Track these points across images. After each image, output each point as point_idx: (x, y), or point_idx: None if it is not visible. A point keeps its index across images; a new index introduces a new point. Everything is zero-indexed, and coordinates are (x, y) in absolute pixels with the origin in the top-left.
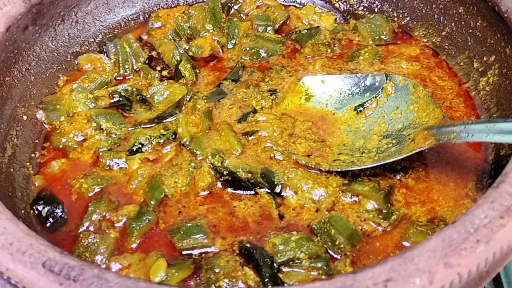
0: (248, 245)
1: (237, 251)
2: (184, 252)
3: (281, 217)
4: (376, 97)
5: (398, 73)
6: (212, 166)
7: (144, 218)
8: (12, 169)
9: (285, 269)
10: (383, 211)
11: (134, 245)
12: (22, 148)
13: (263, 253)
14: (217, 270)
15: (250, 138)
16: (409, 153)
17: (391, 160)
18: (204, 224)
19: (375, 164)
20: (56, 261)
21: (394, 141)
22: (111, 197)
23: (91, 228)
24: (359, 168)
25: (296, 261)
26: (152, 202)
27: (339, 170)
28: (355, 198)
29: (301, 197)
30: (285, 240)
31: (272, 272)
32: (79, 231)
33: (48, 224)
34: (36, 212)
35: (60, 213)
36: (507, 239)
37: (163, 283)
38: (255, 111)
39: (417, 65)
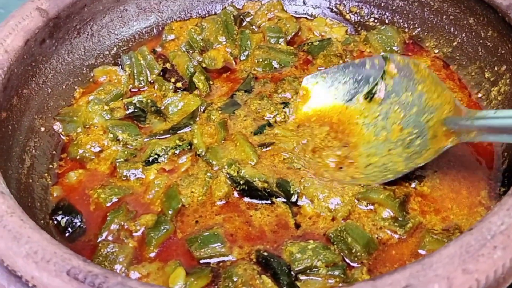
0: (265, 253)
1: (254, 260)
2: (202, 261)
3: (298, 226)
4: (382, 78)
5: None
6: (228, 176)
7: (162, 227)
8: (31, 180)
9: (302, 277)
10: (399, 219)
11: (152, 254)
12: (40, 159)
13: (280, 262)
14: (235, 279)
15: (265, 149)
16: (435, 155)
17: (422, 163)
18: (221, 233)
19: (408, 171)
20: (80, 269)
21: (416, 131)
22: (128, 207)
23: (110, 238)
24: (396, 177)
25: (314, 269)
26: (170, 212)
27: (379, 182)
28: (371, 207)
29: (317, 206)
30: (302, 249)
31: (289, 280)
32: (98, 241)
33: (67, 234)
34: (55, 222)
35: (78, 223)
36: None
37: None
38: (269, 125)
39: None
